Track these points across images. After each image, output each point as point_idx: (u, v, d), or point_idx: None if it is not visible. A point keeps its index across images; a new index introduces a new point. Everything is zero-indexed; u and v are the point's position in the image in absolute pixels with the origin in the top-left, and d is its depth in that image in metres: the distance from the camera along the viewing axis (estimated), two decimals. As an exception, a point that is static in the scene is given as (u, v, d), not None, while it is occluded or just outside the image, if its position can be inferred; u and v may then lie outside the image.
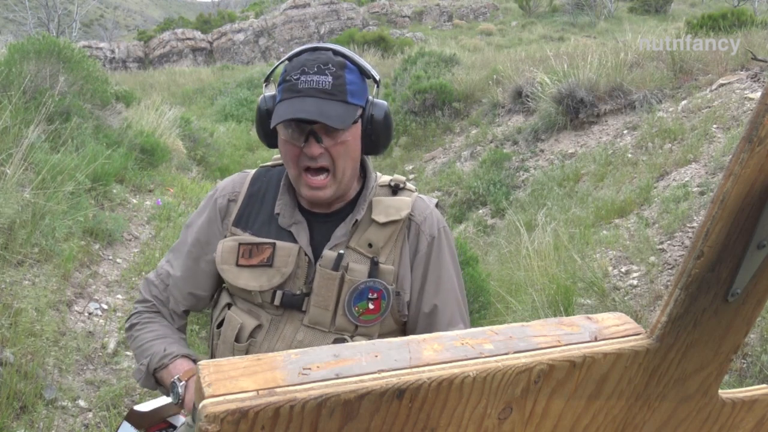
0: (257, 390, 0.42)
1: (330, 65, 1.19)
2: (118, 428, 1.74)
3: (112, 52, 24.35)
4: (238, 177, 1.38)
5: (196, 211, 1.40)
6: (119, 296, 3.84)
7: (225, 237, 1.31)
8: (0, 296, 2.94)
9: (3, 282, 3.08)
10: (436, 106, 9.23)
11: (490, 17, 26.63)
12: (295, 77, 1.18)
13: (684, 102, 6.00)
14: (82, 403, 2.78)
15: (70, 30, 23.00)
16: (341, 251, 1.26)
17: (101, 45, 25.12)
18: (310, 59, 1.19)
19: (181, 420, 1.77)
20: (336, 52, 1.22)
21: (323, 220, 1.31)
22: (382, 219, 1.28)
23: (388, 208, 1.29)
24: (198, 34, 25.85)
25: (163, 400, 1.78)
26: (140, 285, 1.42)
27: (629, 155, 5.58)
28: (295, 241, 1.28)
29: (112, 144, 5.59)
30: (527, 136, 7.31)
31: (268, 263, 1.26)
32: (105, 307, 3.63)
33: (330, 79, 1.18)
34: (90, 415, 2.74)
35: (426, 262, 1.32)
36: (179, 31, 25.84)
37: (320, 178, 1.22)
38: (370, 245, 1.27)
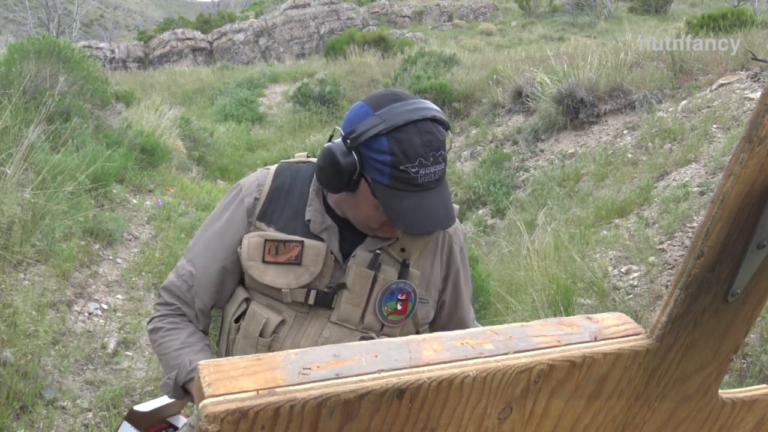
0: (257, 390, 0.42)
1: (442, 150, 1.16)
2: (118, 428, 1.74)
3: (112, 52, 24.34)
4: (261, 174, 1.37)
5: (218, 210, 1.37)
6: (119, 296, 3.84)
7: (249, 232, 1.30)
8: (0, 296, 2.94)
9: (3, 282, 3.08)
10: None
11: (490, 17, 26.64)
12: (413, 171, 1.12)
13: (684, 102, 6.00)
14: (82, 403, 2.78)
15: (70, 30, 23.01)
16: (378, 251, 1.28)
17: (101, 45, 25.11)
18: (421, 146, 1.13)
19: (182, 420, 1.77)
20: (435, 120, 1.16)
21: (353, 226, 1.31)
22: None
23: None
24: (198, 34, 25.85)
25: (164, 400, 1.78)
26: (161, 288, 1.39)
27: (629, 155, 5.58)
28: (321, 239, 1.28)
29: (112, 144, 5.59)
30: (527, 136, 7.31)
31: (297, 261, 1.26)
32: (105, 307, 3.63)
33: (443, 166, 1.16)
34: (90, 415, 2.74)
35: (459, 271, 1.41)
36: (179, 31, 25.83)
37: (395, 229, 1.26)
38: (402, 250, 1.31)
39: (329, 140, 1.24)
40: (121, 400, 2.86)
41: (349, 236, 1.31)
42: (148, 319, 1.40)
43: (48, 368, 2.83)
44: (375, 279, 1.27)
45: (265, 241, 1.27)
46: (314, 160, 1.37)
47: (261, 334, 1.28)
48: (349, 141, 1.16)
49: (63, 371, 2.90)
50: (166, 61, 23.97)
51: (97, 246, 4.19)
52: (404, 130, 1.12)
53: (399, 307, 1.29)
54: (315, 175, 1.27)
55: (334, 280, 1.28)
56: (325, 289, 1.28)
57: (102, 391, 2.90)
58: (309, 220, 1.29)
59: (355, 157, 1.16)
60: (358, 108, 1.20)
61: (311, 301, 1.27)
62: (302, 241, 1.26)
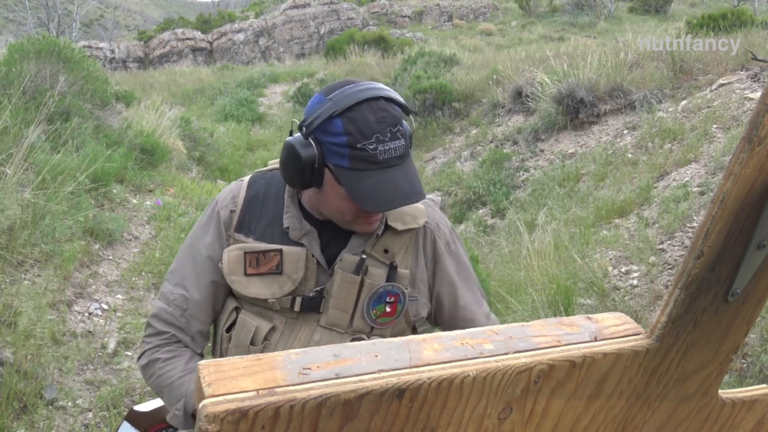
0: (257, 390, 0.42)
1: (399, 126, 1.15)
2: (118, 428, 1.74)
3: (112, 52, 24.33)
4: (235, 186, 1.36)
5: (198, 229, 1.35)
6: (119, 296, 3.84)
7: (229, 245, 1.29)
8: (0, 296, 2.94)
9: (3, 282, 3.08)
10: (436, 106, 9.24)
11: (490, 17, 26.63)
12: (371, 147, 1.11)
13: (684, 102, 5.99)
14: (82, 403, 2.78)
15: (70, 30, 23.00)
16: (363, 256, 1.27)
17: (101, 45, 25.10)
18: (375, 122, 1.12)
19: (181, 420, 1.77)
20: (388, 99, 1.16)
21: (334, 228, 1.30)
22: (399, 227, 1.30)
23: (404, 216, 1.31)
24: (198, 34, 25.83)
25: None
26: (150, 318, 1.34)
27: (629, 155, 5.58)
28: (301, 245, 1.27)
29: (112, 144, 5.59)
30: (527, 136, 7.31)
31: (278, 271, 1.25)
32: (105, 307, 3.63)
33: (402, 142, 1.15)
34: (90, 415, 2.74)
35: (448, 266, 1.37)
36: (179, 31, 25.82)
37: (376, 219, 1.26)
38: (386, 251, 1.30)
39: (290, 135, 1.23)
40: (121, 400, 2.86)
41: (331, 239, 1.30)
42: (137, 355, 1.35)
43: (48, 368, 2.83)
44: (362, 284, 1.26)
45: (245, 253, 1.25)
46: None
47: (252, 342, 1.28)
48: (304, 129, 1.16)
49: (63, 371, 2.90)
50: (166, 61, 23.96)
51: (97, 246, 4.19)
52: (356, 109, 1.12)
53: (388, 309, 1.29)
54: (281, 174, 1.25)
55: (320, 284, 1.28)
56: (311, 295, 1.27)
57: (102, 391, 2.90)
58: (287, 228, 1.28)
59: (314, 146, 1.15)
60: (312, 99, 1.20)
61: (297, 307, 1.27)
62: (281, 249, 1.25)
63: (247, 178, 1.37)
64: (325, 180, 1.19)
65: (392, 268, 1.29)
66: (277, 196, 1.32)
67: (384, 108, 1.14)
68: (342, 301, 1.27)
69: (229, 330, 1.32)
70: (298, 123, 1.20)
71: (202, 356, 1.37)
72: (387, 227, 1.30)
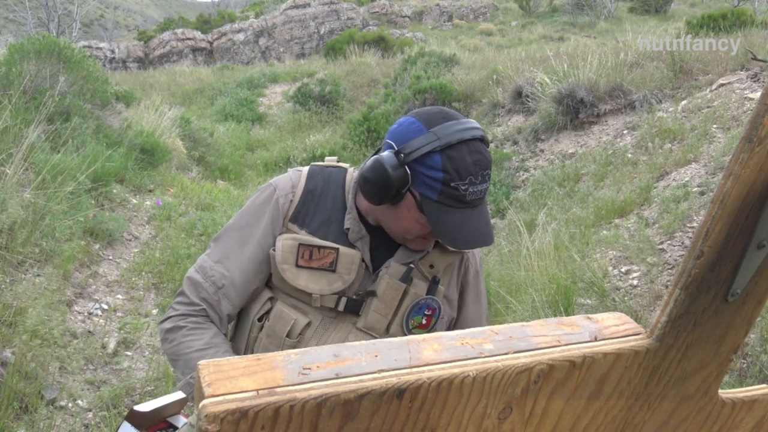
0: (257, 390, 0.42)
1: (488, 170, 1.18)
2: (118, 428, 1.74)
3: (112, 52, 24.33)
4: (294, 175, 1.36)
5: (253, 211, 1.33)
6: (119, 296, 3.84)
7: (282, 234, 1.30)
8: (0, 296, 2.94)
9: (3, 282, 3.08)
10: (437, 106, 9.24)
11: (490, 17, 26.64)
12: (463, 188, 1.15)
13: (684, 102, 5.99)
14: (82, 403, 2.78)
15: (70, 30, 22.99)
16: (411, 265, 1.30)
17: (101, 45, 25.09)
18: (472, 164, 1.15)
19: (182, 420, 1.77)
20: (482, 139, 1.19)
21: (383, 235, 1.32)
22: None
23: None
24: (198, 34, 25.83)
25: (164, 400, 1.78)
26: (185, 286, 1.32)
27: (629, 155, 5.58)
28: (355, 247, 1.29)
29: (112, 144, 5.59)
30: (527, 136, 7.31)
31: (331, 268, 1.27)
32: (105, 307, 3.63)
33: (487, 184, 1.19)
34: (90, 415, 2.74)
35: (467, 292, 1.44)
36: (179, 31, 25.82)
37: (432, 240, 1.29)
38: (431, 266, 1.33)
39: (375, 153, 1.24)
40: (121, 400, 2.86)
41: (378, 245, 1.32)
42: (163, 318, 1.33)
43: (48, 368, 2.83)
44: (405, 292, 1.29)
45: (299, 245, 1.27)
46: (344, 165, 1.38)
47: (288, 335, 1.28)
48: (402, 156, 1.17)
49: (63, 371, 2.90)
50: (166, 61, 23.95)
51: (97, 246, 4.19)
52: (457, 149, 1.14)
53: (424, 321, 1.32)
54: (358, 186, 1.25)
55: (362, 288, 1.30)
56: (354, 296, 1.29)
57: (102, 391, 2.90)
58: (348, 229, 1.30)
59: (407, 172, 1.17)
60: (409, 123, 1.20)
61: (341, 307, 1.28)
62: (337, 249, 1.27)
63: (305, 170, 1.37)
64: (404, 202, 1.21)
65: (434, 282, 1.32)
66: (336, 195, 1.33)
67: (480, 150, 1.17)
68: (385, 305, 1.28)
69: (261, 319, 1.32)
70: (391, 143, 1.20)
71: (225, 336, 1.35)
72: (436, 244, 1.33)
